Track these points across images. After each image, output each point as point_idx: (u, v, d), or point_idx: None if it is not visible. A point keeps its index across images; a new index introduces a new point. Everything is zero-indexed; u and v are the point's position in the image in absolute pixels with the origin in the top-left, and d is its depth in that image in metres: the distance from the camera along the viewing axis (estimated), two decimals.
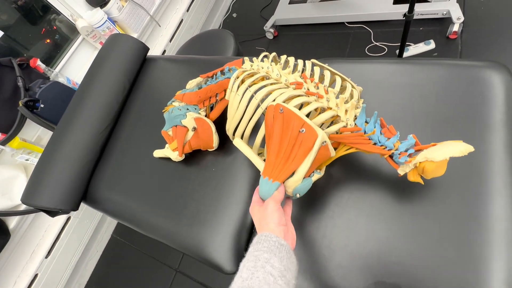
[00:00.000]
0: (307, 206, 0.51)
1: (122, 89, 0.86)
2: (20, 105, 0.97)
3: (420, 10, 1.27)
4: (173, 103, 0.65)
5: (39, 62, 1.10)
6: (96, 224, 1.36)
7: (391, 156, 0.41)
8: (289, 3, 1.69)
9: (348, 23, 1.51)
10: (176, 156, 0.61)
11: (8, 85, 1.03)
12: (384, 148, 0.41)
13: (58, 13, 1.23)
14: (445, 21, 1.28)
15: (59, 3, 1.20)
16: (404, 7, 1.34)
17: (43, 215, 1.13)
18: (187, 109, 0.61)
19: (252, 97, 0.50)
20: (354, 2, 1.49)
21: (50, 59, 1.24)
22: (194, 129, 0.59)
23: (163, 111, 0.68)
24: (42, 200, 0.71)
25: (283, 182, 0.42)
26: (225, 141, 0.64)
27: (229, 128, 0.57)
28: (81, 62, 1.29)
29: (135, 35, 1.32)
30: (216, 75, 0.65)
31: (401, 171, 0.40)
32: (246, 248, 0.55)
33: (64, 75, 1.18)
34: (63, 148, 0.76)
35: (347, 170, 0.52)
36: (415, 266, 0.42)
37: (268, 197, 0.42)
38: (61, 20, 1.26)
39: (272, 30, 1.67)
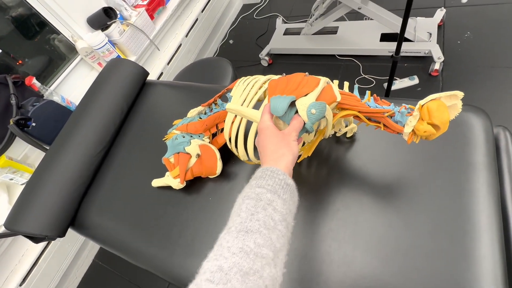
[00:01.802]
0: (305, 241, 0.51)
1: (120, 112, 0.86)
2: (11, 123, 0.96)
3: (405, 48, 1.38)
4: (174, 130, 0.67)
5: (34, 81, 1.10)
6: (77, 248, 1.29)
7: (392, 122, 0.41)
8: (284, 34, 1.79)
9: (339, 55, 1.61)
10: (177, 184, 0.61)
11: (0, 102, 1.01)
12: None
13: (58, 33, 1.25)
14: (427, 59, 1.39)
15: (60, 24, 1.22)
16: (389, 45, 1.45)
17: (21, 237, 1.07)
18: (191, 136, 0.62)
19: (256, 82, 0.52)
20: (344, 37, 1.59)
21: (46, 77, 1.24)
22: (198, 156, 0.60)
23: (163, 139, 0.68)
24: (27, 225, 0.68)
25: (296, 100, 0.41)
26: (223, 169, 0.64)
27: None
28: (78, 81, 1.29)
29: (134, 58, 1.35)
30: (216, 101, 0.67)
31: (407, 129, 0.39)
32: None
33: (59, 94, 1.18)
34: (54, 171, 0.75)
35: (342, 204, 0.53)
36: None
37: (281, 110, 0.40)
38: (61, 40, 1.28)
39: (267, 58, 1.74)
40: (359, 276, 0.45)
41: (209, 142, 0.63)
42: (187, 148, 0.61)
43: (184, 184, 0.61)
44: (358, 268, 0.46)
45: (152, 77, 1.46)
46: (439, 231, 0.46)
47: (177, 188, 0.62)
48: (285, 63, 1.76)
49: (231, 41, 2.06)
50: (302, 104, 0.41)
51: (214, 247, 0.28)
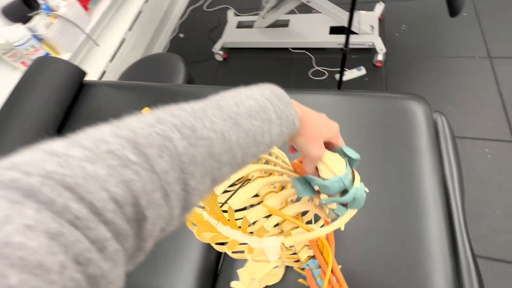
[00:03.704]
0: None
1: (53, 119, 0.74)
2: None
3: (351, 41, 1.45)
4: None
5: None
6: None
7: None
8: (237, 27, 1.75)
9: (292, 48, 1.63)
10: None
11: None
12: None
13: None
14: (372, 51, 1.49)
15: None
16: (337, 37, 1.52)
17: None
18: None
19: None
20: (295, 30, 1.62)
21: None
22: None
23: None
24: None
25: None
26: None
27: None
28: None
29: (68, 55, 1.18)
30: None
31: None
32: None
33: None
34: None
35: None
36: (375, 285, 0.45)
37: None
38: None
39: (221, 53, 1.69)
40: None
41: None
42: None
43: None
44: None
45: (93, 76, 1.30)
46: (395, 214, 0.49)
47: None
48: (240, 58, 1.73)
49: (181, 35, 1.94)
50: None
51: (196, 106, 0.23)
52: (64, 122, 0.78)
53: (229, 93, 0.26)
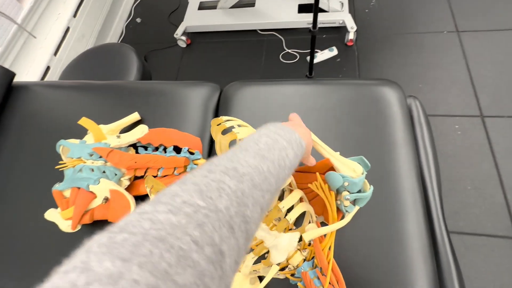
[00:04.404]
0: None
1: None
2: None
3: (321, 19, 1.38)
4: (83, 157, 0.49)
5: None
6: None
7: None
8: (199, 9, 1.60)
9: (261, 30, 1.53)
10: (66, 227, 0.46)
11: None
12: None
13: None
14: (342, 29, 1.43)
15: None
16: (307, 16, 1.43)
17: None
18: (103, 172, 0.47)
19: None
20: (262, 10, 1.51)
21: None
22: (106, 200, 0.46)
23: (60, 167, 0.50)
24: None
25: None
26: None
27: None
28: None
29: None
30: (166, 148, 0.52)
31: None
32: None
33: None
34: None
35: None
36: None
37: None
38: None
39: (184, 38, 1.55)
40: None
41: (128, 185, 0.49)
42: (93, 187, 0.46)
43: (77, 229, 0.47)
44: None
45: (36, 74, 1.14)
46: (374, 218, 0.46)
47: (65, 231, 0.47)
48: (205, 42, 1.60)
49: (138, 20, 1.75)
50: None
51: (228, 154, 0.28)
52: None
53: (246, 139, 0.31)
